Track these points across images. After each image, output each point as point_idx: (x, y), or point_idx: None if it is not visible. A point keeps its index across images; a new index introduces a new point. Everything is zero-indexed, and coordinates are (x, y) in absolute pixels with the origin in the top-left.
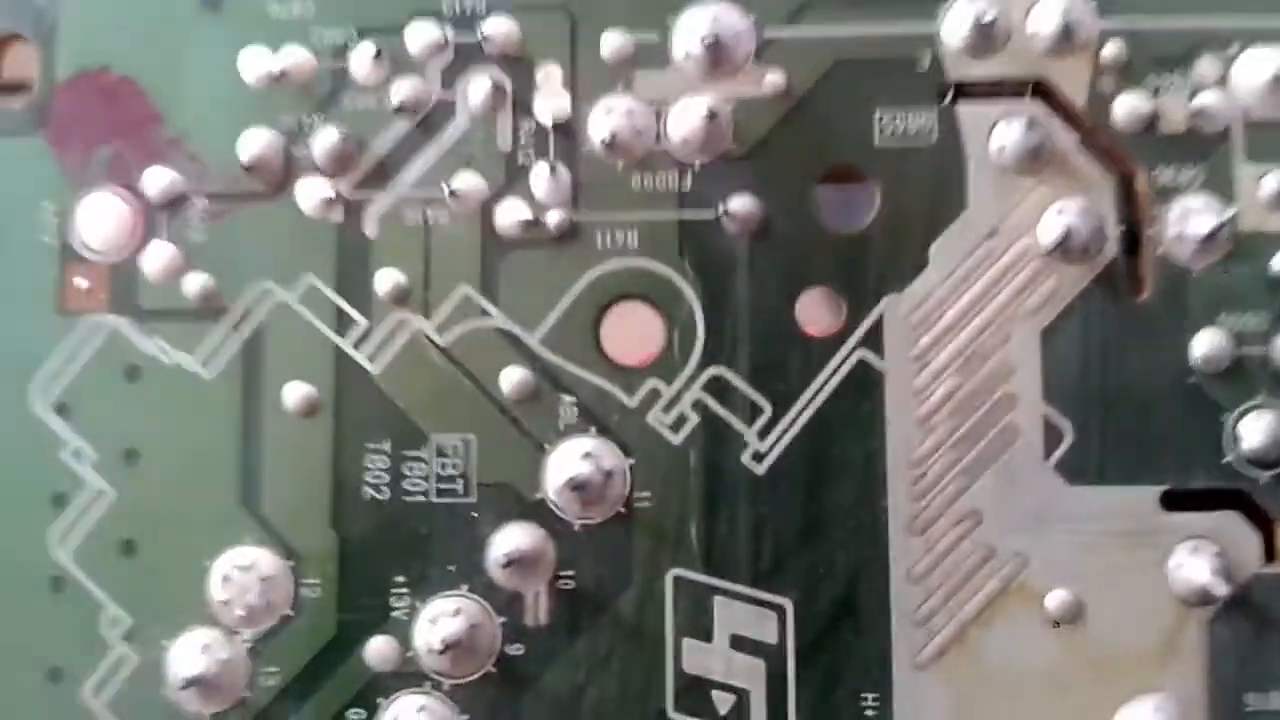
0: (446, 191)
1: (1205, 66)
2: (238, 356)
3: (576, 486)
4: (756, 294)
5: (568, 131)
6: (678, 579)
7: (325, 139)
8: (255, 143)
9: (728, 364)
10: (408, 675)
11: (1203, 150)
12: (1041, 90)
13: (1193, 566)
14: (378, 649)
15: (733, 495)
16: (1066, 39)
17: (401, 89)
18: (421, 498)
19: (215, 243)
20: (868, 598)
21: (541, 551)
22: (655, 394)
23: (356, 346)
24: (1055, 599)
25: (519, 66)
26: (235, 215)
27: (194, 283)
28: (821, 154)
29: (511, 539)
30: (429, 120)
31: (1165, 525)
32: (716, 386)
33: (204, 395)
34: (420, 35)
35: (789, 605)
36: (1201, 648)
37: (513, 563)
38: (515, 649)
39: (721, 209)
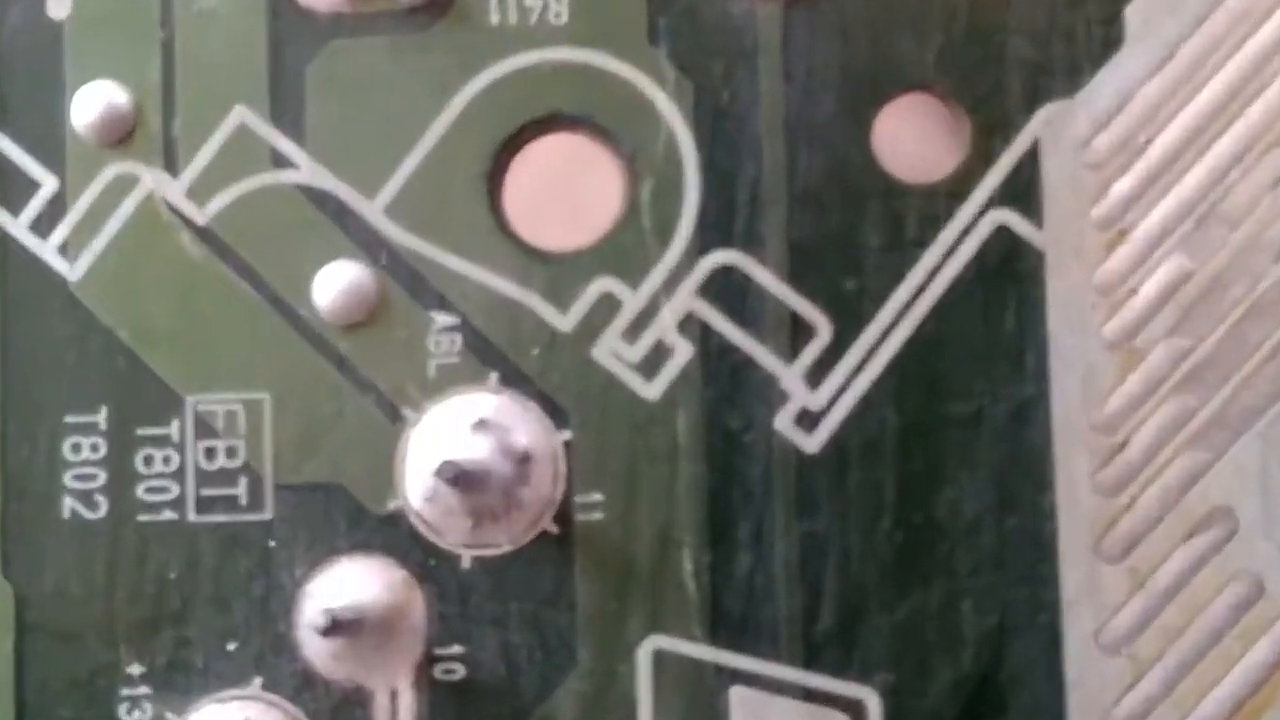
0: None
1: None
2: None
3: (455, 479)
4: (797, 108)
5: None
6: (661, 655)
7: None
8: None
9: (745, 243)
10: None
11: None
12: None
13: None
14: None
15: (760, 495)
16: None
17: None
18: (169, 514)
19: None
20: (1022, 682)
21: (399, 608)
22: (609, 305)
23: (38, 229)
24: None
25: None
26: None
27: None
28: None
29: (341, 586)
30: None
31: None
32: (725, 288)
33: None
34: None
35: (873, 701)
36: None
37: (343, 628)
38: None
39: None
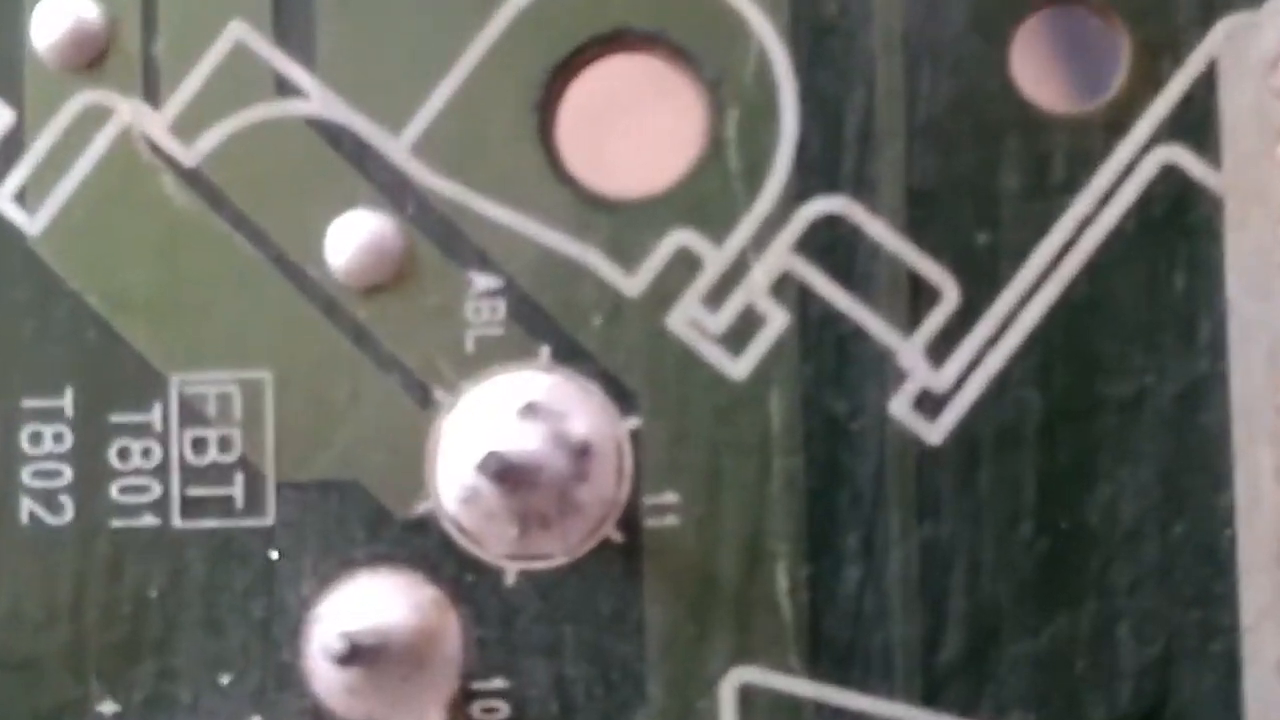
0: None
1: None
2: None
3: (501, 475)
4: (918, 23)
5: None
6: (749, 690)
7: None
8: None
9: (854, 188)
10: None
11: None
12: None
13: None
14: None
15: (871, 496)
16: None
17: None
18: (150, 518)
19: None
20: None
21: (430, 633)
22: (687, 264)
23: None
24: None
25: None
26: None
27: None
28: None
29: (360, 606)
30: None
31: None
32: (829, 242)
33: None
34: None
35: None
36: None
37: (362, 656)
38: None
39: None
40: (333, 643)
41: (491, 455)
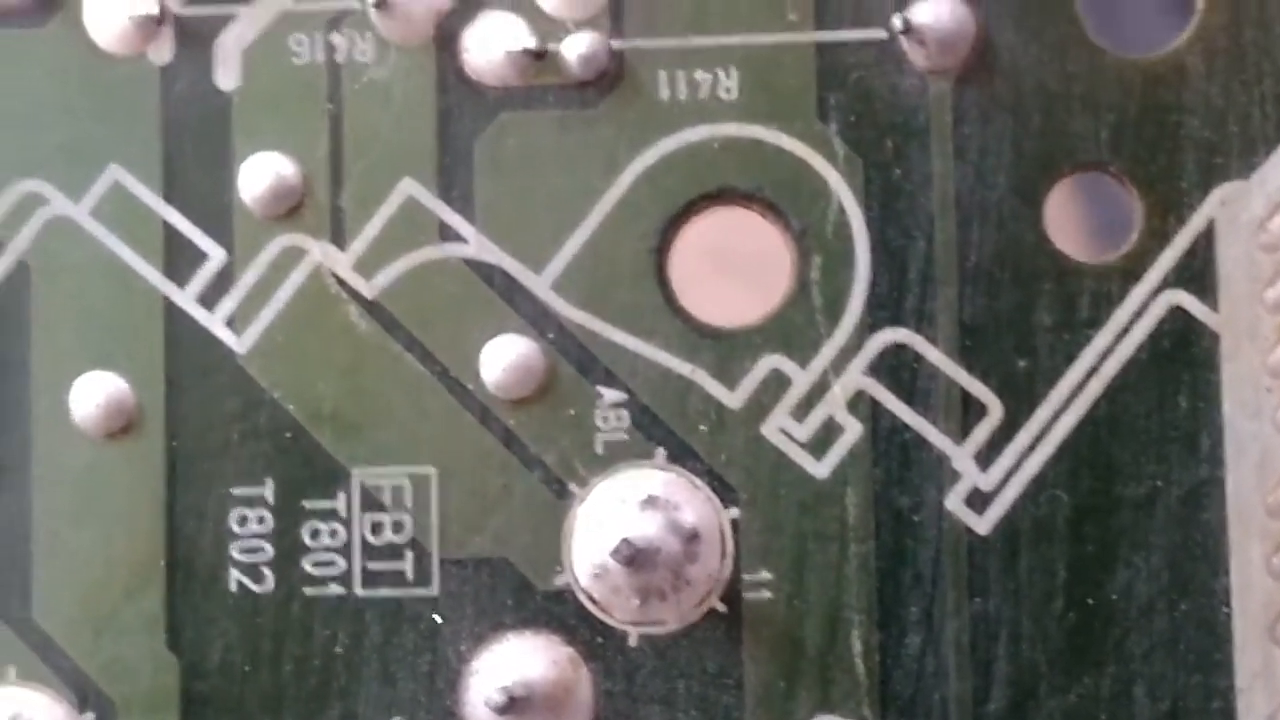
0: (371, 0)
1: None
2: None
3: (631, 559)
4: (969, 186)
5: None
6: None
7: None
8: None
9: (916, 322)
10: None
11: None
12: None
13: None
14: None
15: (931, 576)
16: None
17: None
18: (336, 588)
19: None
20: None
21: (567, 685)
22: (778, 382)
23: (205, 300)
24: None
25: None
26: None
27: None
28: None
29: (508, 663)
30: None
31: None
32: (895, 366)
33: None
34: None
35: None
36: None
37: (515, 704)
38: None
39: (899, 21)
40: (492, 694)
41: (624, 542)
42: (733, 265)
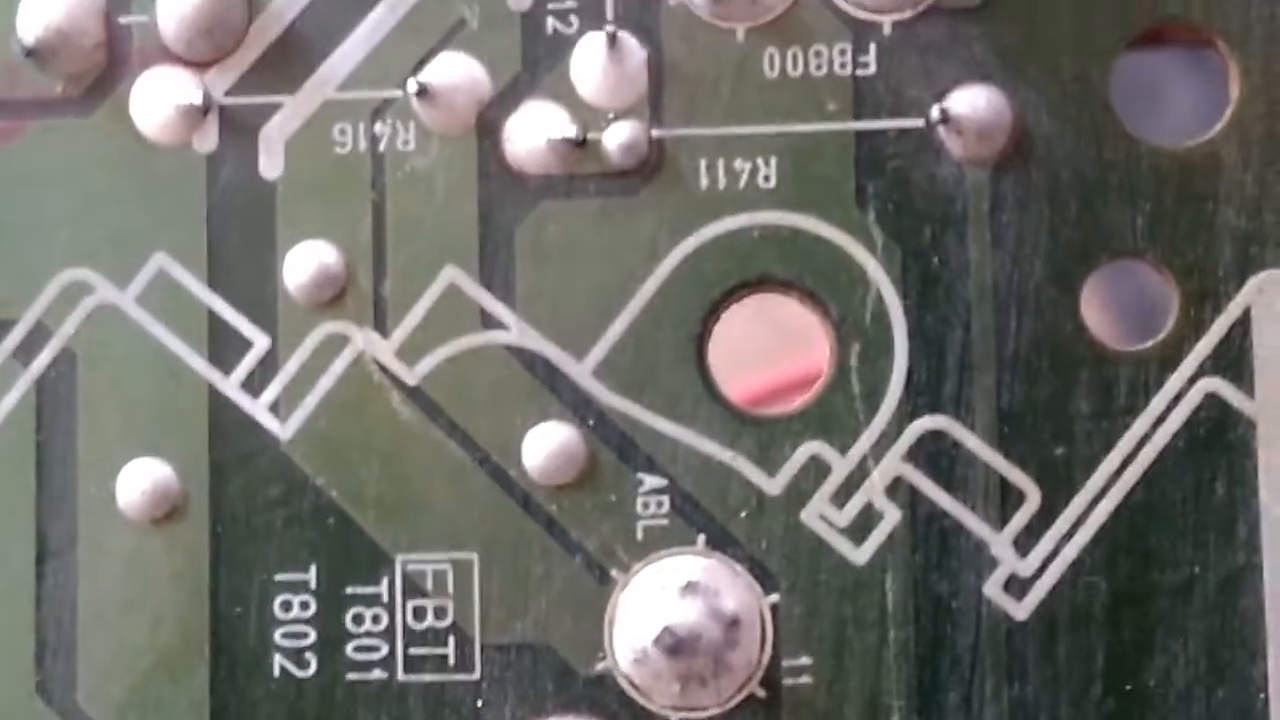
0: (413, 89)
1: None
2: (25, 411)
3: (673, 648)
4: (1006, 274)
5: None
6: None
7: None
8: (49, 6)
9: (954, 409)
10: None
11: None
12: None
13: None
14: None
15: (970, 662)
16: None
17: None
18: (379, 672)
19: None
20: None
21: None
22: (818, 468)
23: (249, 387)
24: None
25: None
26: (13, 145)
27: None
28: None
29: None
30: None
31: None
32: (934, 452)
33: None
34: None
35: None
36: None
37: None
38: None
39: (937, 111)
40: None
41: (666, 630)
42: (778, 357)
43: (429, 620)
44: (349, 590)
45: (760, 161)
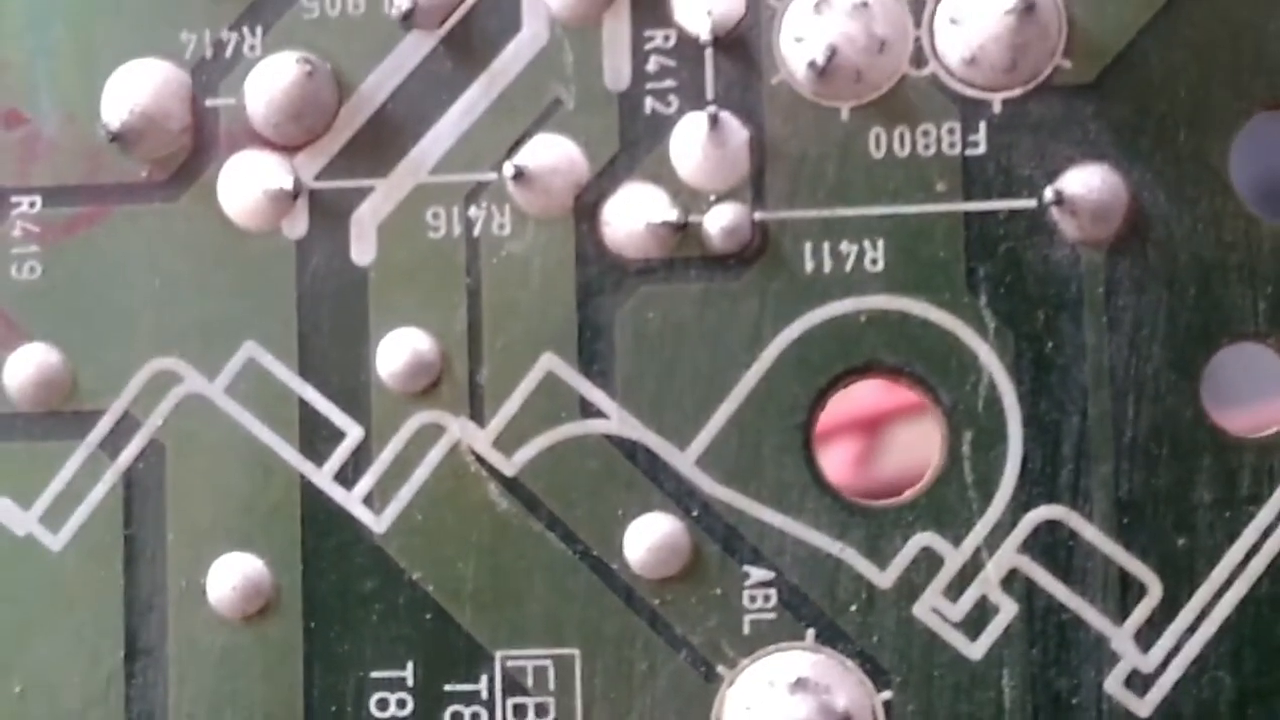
0: (509, 173)
1: None
2: (113, 504)
3: None
4: (1123, 359)
5: (741, 47)
6: None
7: (270, 77)
8: (134, 89)
9: (1071, 499)
10: None
11: None
12: None
13: None
14: None
15: None
16: None
17: None
18: None
19: (59, 286)
20: None
21: None
22: (930, 561)
23: (342, 479)
24: None
25: None
26: (98, 230)
27: (22, 365)
28: (1257, 69)
29: None
30: (464, 34)
31: None
32: (1051, 544)
33: (48, 579)
34: None
35: None
36: None
37: None
38: None
39: (1051, 192)
40: None
41: None
42: (888, 445)
43: (530, 718)
44: (447, 687)
45: (867, 244)
